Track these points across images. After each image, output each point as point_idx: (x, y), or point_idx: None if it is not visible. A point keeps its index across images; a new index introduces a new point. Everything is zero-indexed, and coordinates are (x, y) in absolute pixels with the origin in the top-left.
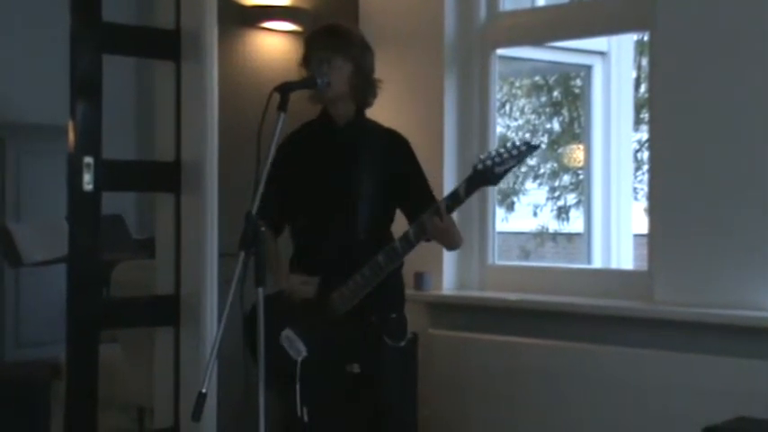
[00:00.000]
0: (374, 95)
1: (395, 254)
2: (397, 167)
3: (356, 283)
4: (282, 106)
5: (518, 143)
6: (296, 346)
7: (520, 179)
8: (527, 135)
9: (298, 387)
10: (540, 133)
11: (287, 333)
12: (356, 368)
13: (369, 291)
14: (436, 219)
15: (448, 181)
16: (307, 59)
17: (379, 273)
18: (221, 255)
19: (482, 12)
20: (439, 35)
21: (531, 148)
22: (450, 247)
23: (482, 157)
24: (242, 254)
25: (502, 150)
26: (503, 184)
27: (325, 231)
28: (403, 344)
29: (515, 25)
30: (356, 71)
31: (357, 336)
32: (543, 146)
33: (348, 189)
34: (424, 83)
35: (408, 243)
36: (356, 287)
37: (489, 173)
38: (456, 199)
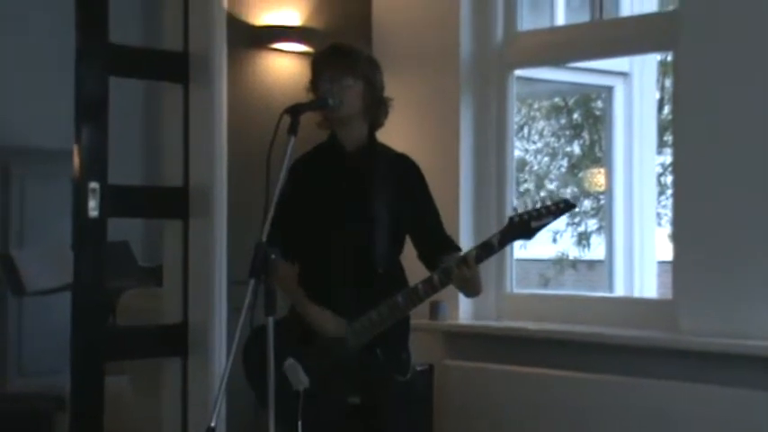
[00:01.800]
0: (386, 114)
1: (416, 297)
2: (408, 196)
3: (371, 321)
4: (293, 129)
5: (557, 200)
6: (298, 375)
7: (537, 204)
8: (561, 195)
9: (299, 423)
10: (560, 156)
11: (290, 362)
12: (356, 399)
13: (382, 329)
14: (463, 267)
15: (463, 208)
16: (314, 82)
17: (397, 313)
18: (230, 283)
19: (499, 31)
20: (454, 55)
21: (568, 207)
22: (470, 296)
23: (519, 210)
24: (252, 282)
25: (540, 206)
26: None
27: (339, 264)
28: (408, 377)
29: (534, 45)
30: (367, 89)
31: (361, 369)
32: (577, 207)
33: (362, 219)
34: (439, 105)
35: (432, 288)
36: (370, 324)
37: (525, 227)
38: (488, 250)
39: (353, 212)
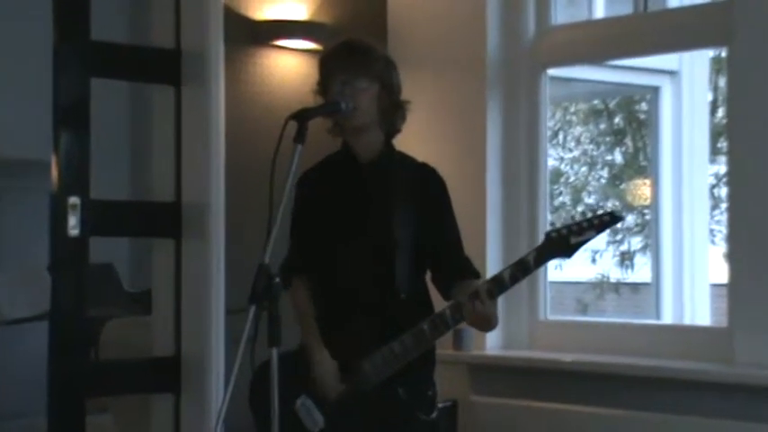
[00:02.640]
0: (403, 119)
1: (443, 324)
2: (429, 210)
3: (393, 353)
4: (299, 137)
5: (600, 213)
6: (313, 415)
7: (577, 217)
8: (603, 208)
9: None
10: (599, 166)
11: (303, 400)
12: None
13: (406, 363)
14: (477, 303)
15: (491, 225)
16: (324, 85)
17: (422, 343)
18: (229, 311)
19: (531, 26)
20: (480, 53)
21: (614, 220)
22: (484, 330)
23: (556, 224)
24: (252, 309)
25: (581, 219)
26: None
27: (355, 290)
28: (434, 416)
29: (569, 41)
30: (384, 91)
31: (381, 409)
32: (625, 217)
33: (382, 238)
34: (463, 109)
35: (459, 315)
36: (392, 357)
37: (563, 243)
38: (524, 269)
39: (371, 231)
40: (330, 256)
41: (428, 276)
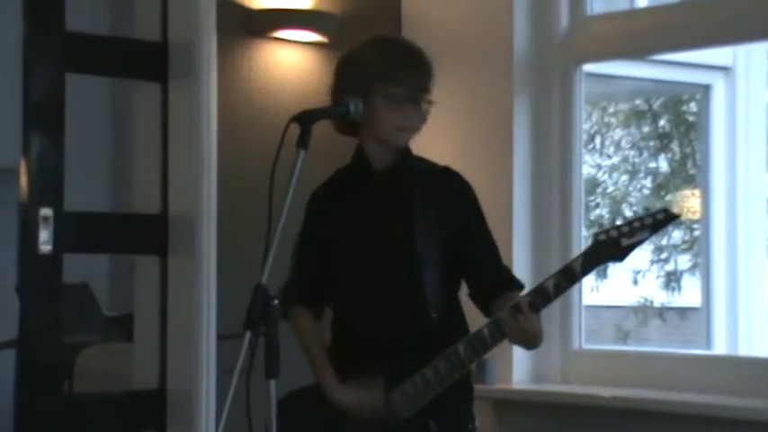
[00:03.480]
0: (424, 119)
1: (481, 344)
2: (459, 218)
3: (425, 381)
4: (303, 141)
5: (654, 212)
6: None
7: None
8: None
9: None
10: (642, 174)
11: None
12: None
13: (440, 391)
14: (521, 317)
15: (518, 240)
16: (365, 90)
17: (458, 368)
18: (221, 337)
19: (563, 17)
20: (507, 48)
21: (669, 218)
22: (529, 348)
23: (606, 226)
24: (248, 335)
25: (632, 218)
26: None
27: (379, 312)
28: None
29: (608, 33)
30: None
31: None
32: (681, 216)
33: (407, 252)
34: (487, 110)
35: (500, 333)
36: (425, 385)
37: (614, 245)
38: (570, 276)
39: (392, 246)
40: (349, 278)
41: (464, 293)
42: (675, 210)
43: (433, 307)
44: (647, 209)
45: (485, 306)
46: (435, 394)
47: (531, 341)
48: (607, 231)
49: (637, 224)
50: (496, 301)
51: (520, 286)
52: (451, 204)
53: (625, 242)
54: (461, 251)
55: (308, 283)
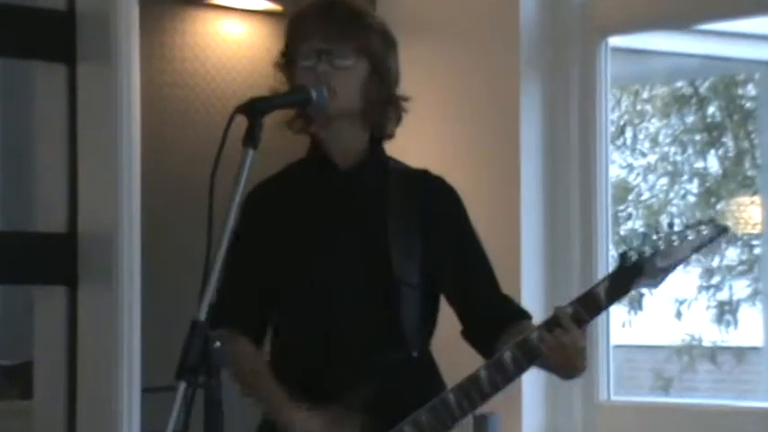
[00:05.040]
0: (398, 119)
1: (503, 374)
2: (444, 233)
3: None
4: (251, 138)
5: (698, 222)
6: None
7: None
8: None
9: None
10: (686, 176)
11: None
12: None
13: None
14: (559, 332)
15: (527, 260)
16: (291, 57)
17: (447, 422)
18: (146, 390)
19: None
20: (511, 17)
21: (718, 232)
22: (570, 376)
23: (637, 243)
24: (181, 387)
25: (670, 233)
26: None
27: (342, 346)
28: None
29: None
30: (374, 75)
31: None
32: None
33: (380, 273)
34: (485, 98)
35: (530, 355)
36: None
37: (648, 267)
38: (592, 306)
39: (360, 264)
40: (297, 301)
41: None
42: (727, 221)
43: (412, 343)
44: (692, 221)
45: (485, 343)
46: None
47: (574, 364)
48: (639, 249)
49: (675, 240)
50: (503, 335)
51: (528, 316)
52: (434, 215)
53: (661, 263)
54: (447, 274)
55: (241, 304)
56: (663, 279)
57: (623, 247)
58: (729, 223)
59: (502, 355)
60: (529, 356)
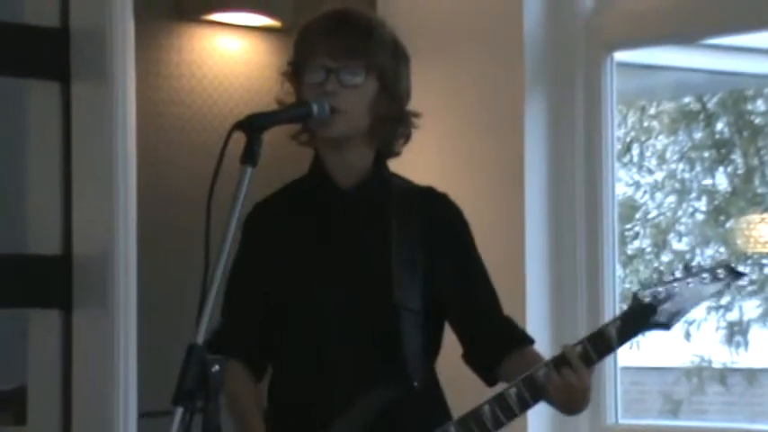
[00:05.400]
0: (407, 137)
1: (506, 411)
2: (448, 254)
3: None
4: (249, 155)
5: (714, 266)
6: None
7: (677, 272)
8: (713, 260)
9: None
10: (694, 194)
11: None
12: None
13: None
14: (565, 371)
15: (532, 285)
16: (298, 69)
17: None
18: (142, 415)
19: None
20: (515, 30)
21: (732, 276)
22: (573, 412)
23: (652, 282)
24: (178, 411)
25: (685, 275)
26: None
27: (338, 376)
28: None
29: (646, 11)
30: (384, 93)
31: None
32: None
33: (381, 298)
34: (487, 113)
35: (536, 392)
36: None
37: (662, 310)
38: (604, 345)
39: (360, 287)
40: (295, 329)
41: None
42: (737, 239)
43: (414, 372)
44: (709, 265)
45: (487, 368)
46: None
47: (577, 403)
48: (653, 291)
49: (691, 283)
50: (506, 360)
51: (531, 341)
52: (436, 237)
53: (675, 307)
54: (450, 296)
55: (243, 329)
56: (676, 323)
57: (638, 288)
58: (739, 243)
59: (507, 391)
60: (534, 394)
